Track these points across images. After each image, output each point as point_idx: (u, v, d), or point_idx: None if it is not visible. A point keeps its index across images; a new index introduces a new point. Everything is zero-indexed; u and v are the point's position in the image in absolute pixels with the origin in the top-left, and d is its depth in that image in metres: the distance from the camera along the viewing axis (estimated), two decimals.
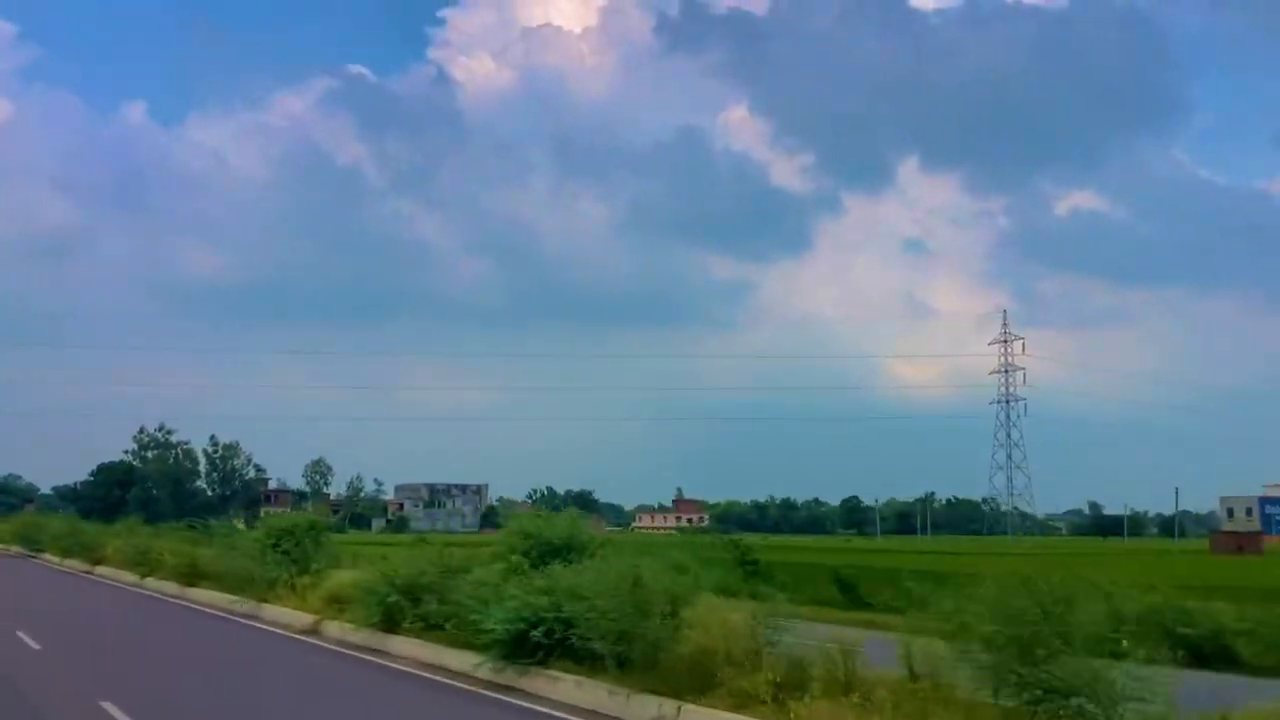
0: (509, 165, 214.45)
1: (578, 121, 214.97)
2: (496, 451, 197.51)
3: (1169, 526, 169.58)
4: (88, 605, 25.10)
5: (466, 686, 13.04)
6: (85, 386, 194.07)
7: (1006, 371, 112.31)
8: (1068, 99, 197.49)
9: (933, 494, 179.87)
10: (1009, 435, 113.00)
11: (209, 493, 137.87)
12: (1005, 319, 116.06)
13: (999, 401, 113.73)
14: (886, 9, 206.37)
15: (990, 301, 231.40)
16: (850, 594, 26.34)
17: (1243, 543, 78.89)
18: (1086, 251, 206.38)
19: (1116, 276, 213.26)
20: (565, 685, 11.99)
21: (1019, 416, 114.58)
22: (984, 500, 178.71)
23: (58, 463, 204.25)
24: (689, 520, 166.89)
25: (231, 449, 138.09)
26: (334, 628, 18.08)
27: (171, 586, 27.50)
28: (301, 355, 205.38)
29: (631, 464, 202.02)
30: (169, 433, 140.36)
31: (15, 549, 53.95)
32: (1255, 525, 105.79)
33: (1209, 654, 14.79)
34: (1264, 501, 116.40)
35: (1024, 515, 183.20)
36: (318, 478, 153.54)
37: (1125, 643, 8.77)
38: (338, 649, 16.74)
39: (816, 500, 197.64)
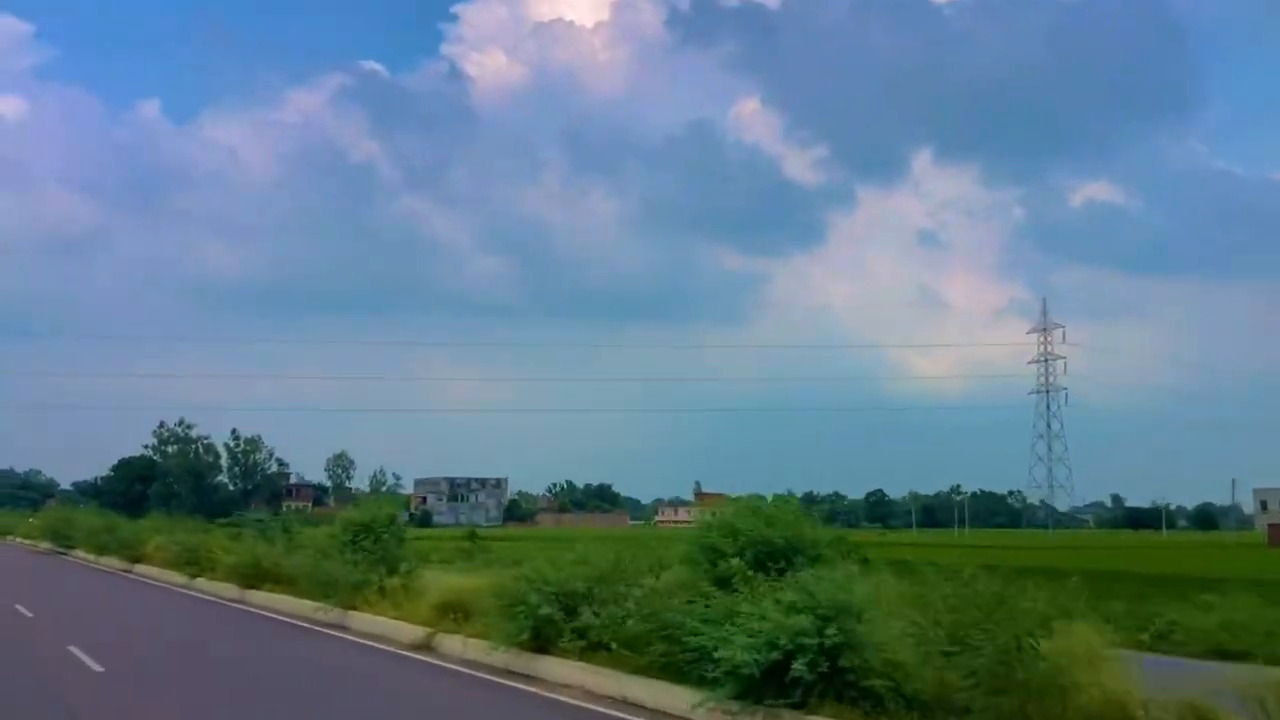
0: (521, 160, 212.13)
1: (590, 116, 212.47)
2: (513, 446, 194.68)
3: (1199, 519, 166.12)
4: (142, 612, 21.83)
5: None
6: (102, 382, 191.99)
7: (1046, 361, 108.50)
8: (1082, 89, 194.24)
9: (959, 486, 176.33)
10: (1049, 426, 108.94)
11: (230, 487, 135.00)
12: (1044, 307, 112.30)
13: (1038, 391, 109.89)
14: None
15: (1005, 294, 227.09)
16: None
17: None
18: (1101, 243, 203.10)
19: (1131, 268, 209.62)
20: None
21: (1059, 407, 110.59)
22: (1010, 493, 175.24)
23: (77, 458, 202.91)
24: (713, 514, 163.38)
25: (253, 443, 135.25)
26: (454, 644, 14.75)
27: (229, 589, 24.24)
28: (316, 350, 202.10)
29: (648, 458, 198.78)
30: (189, 427, 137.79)
31: (45, 545, 50.80)
32: None
33: None
34: None
35: (1049, 508, 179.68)
36: (339, 471, 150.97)
37: None
38: (470, 672, 13.41)
39: (837, 494, 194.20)
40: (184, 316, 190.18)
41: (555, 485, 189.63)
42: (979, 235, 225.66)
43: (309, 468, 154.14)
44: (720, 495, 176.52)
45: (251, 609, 21.64)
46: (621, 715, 10.55)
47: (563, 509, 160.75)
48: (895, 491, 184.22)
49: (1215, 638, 14.25)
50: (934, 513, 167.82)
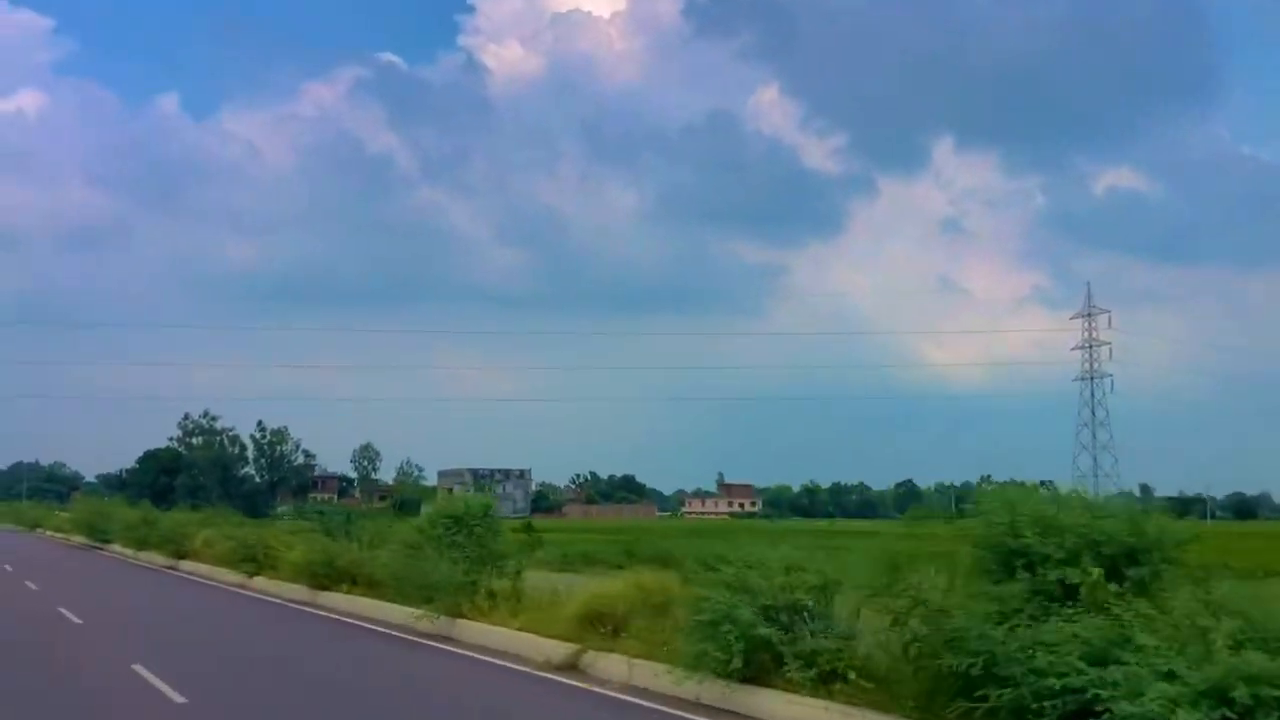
0: (539, 151, 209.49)
1: (607, 107, 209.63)
2: (534, 437, 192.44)
3: (1237, 509, 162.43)
4: (206, 618, 18.93)
5: None
6: (125, 375, 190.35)
7: (1091, 347, 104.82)
8: (1104, 75, 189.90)
9: (989, 476, 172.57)
10: (1094, 414, 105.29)
11: (257, 479, 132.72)
12: (1089, 292, 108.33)
13: (1082, 378, 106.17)
14: None
15: (1027, 282, 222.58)
16: None
17: None
18: (1124, 230, 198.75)
19: (1155, 255, 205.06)
20: None
21: (1104, 394, 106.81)
22: (1043, 482, 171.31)
23: (101, 451, 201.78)
24: (740, 505, 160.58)
25: (279, 435, 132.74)
26: (613, 666, 11.81)
27: (295, 590, 21.40)
28: (337, 342, 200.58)
29: (669, 449, 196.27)
30: (213, 419, 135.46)
31: (78, 539, 48.21)
32: None
33: None
34: None
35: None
36: (366, 463, 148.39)
37: None
38: (651, 705, 10.45)
39: (863, 484, 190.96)
40: (203, 310, 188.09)
41: (579, 476, 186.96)
42: (1000, 223, 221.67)
43: (331, 459, 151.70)
44: (747, 485, 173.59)
45: (331, 614, 18.75)
46: None
47: (590, 500, 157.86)
48: (921, 482, 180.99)
49: None
50: (964, 503, 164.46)
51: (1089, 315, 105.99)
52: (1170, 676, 6.25)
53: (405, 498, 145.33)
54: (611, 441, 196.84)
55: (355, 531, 24.97)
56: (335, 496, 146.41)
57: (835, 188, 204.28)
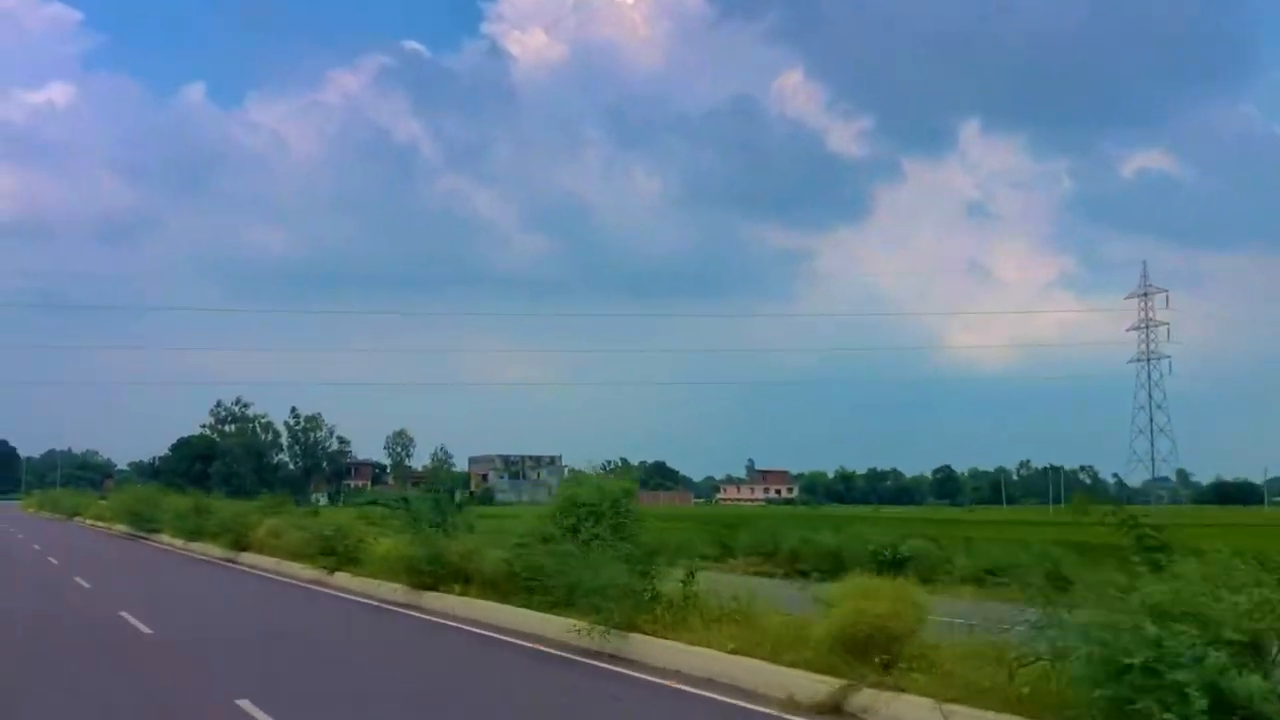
0: (564, 138, 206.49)
1: (631, 93, 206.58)
2: (562, 424, 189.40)
3: None
4: (299, 625, 15.53)
5: None
6: (156, 364, 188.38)
7: (1147, 327, 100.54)
8: (1132, 55, 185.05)
9: (1028, 461, 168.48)
10: (1150, 396, 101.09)
11: (291, 466, 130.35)
12: (1144, 271, 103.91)
13: (1139, 359, 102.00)
14: None
15: (1055, 266, 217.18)
16: None
17: None
18: (1154, 213, 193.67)
19: (1185, 238, 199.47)
20: None
21: (1161, 376, 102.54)
22: (1083, 468, 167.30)
23: (133, 439, 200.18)
24: (775, 491, 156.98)
25: (314, 421, 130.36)
26: (912, 712, 8.44)
27: (391, 590, 18.09)
28: (365, 329, 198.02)
29: (698, 436, 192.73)
30: (245, 406, 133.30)
31: (120, 528, 45.29)
32: None
33: None
34: None
35: (1121, 484, 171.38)
36: (399, 449, 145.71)
37: None
38: None
39: (895, 470, 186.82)
40: (231, 298, 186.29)
41: (609, 463, 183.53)
42: (1028, 206, 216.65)
43: (361, 446, 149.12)
44: (782, 472, 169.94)
45: (449, 621, 15.38)
46: None
47: None
48: (963, 465, 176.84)
49: None
50: (1000, 489, 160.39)
51: (1145, 295, 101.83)
52: None
53: (440, 484, 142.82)
54: (640, 428, 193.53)
55: (451, 521, 21.78)
56: (369, 483, 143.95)
57: (861, 171, 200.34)
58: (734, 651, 10.57)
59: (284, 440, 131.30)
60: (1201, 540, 10.10)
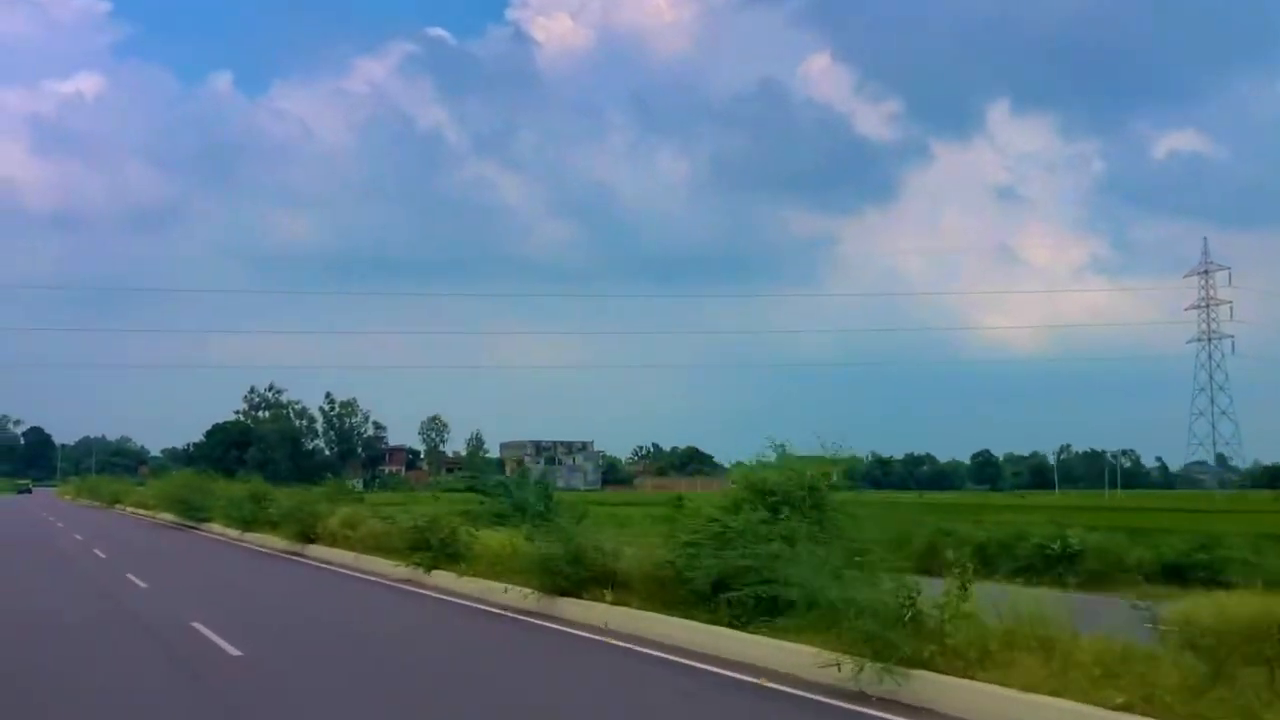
0: (589, 123, 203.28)
1: (656, 78, 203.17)
2: (593, 410, 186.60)
3: None
4: (422, 644, 12.17)
5: None
6: (188, 351, 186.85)
7: (1207, 306, 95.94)
8: (1165, 34, 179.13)
9: (1068, 446, 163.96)
10: (1211, 378, 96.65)
11: (326, 452, 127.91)
12: (1205, 247, 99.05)
13: (1198, 340, 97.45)
14: None
15: (1085, 249, 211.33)
16: None
17: None
18: (1187, 194, 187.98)
19: (1219, 220, 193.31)
20: None
21: (1223, 357, 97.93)
22: (1124, 452, 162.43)
23: (165, 426, 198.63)
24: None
25: (349, 406, 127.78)
26: None
27: (519, 595, 14.60)
28: (394, 316, 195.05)
29: (727, 421, 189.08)
30: (279, 392, 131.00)
31: (165, 517, 42.37)
32: None
33: None
34: None
35: (1164, 468, 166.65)
36: (434, 435, 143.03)
37: None
38: None
39: (930, 456, 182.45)
40: (259, 285, 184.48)
41: (642, 448, 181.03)
42: (1058, 188, 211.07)
43: (399, 432, 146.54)
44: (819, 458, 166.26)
45: (616, 642, 11.96)
46: None
47: (660, 472, 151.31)
48: (999, 450, 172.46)
49: None
50: (1042, 474, 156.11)
51: (1205, 272, 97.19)
52: None
53: (476, 470, 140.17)
54: (668, 414, 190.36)
55: (554, 511, 18.52)
56: (403, 469, 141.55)
57: (889, 154, 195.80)
58: (1122, 707, 7.16)
59: (319, 426, 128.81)
60: None
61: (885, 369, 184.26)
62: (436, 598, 16.21)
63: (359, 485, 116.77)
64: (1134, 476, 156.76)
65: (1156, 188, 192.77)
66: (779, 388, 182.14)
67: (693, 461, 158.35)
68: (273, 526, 27.26)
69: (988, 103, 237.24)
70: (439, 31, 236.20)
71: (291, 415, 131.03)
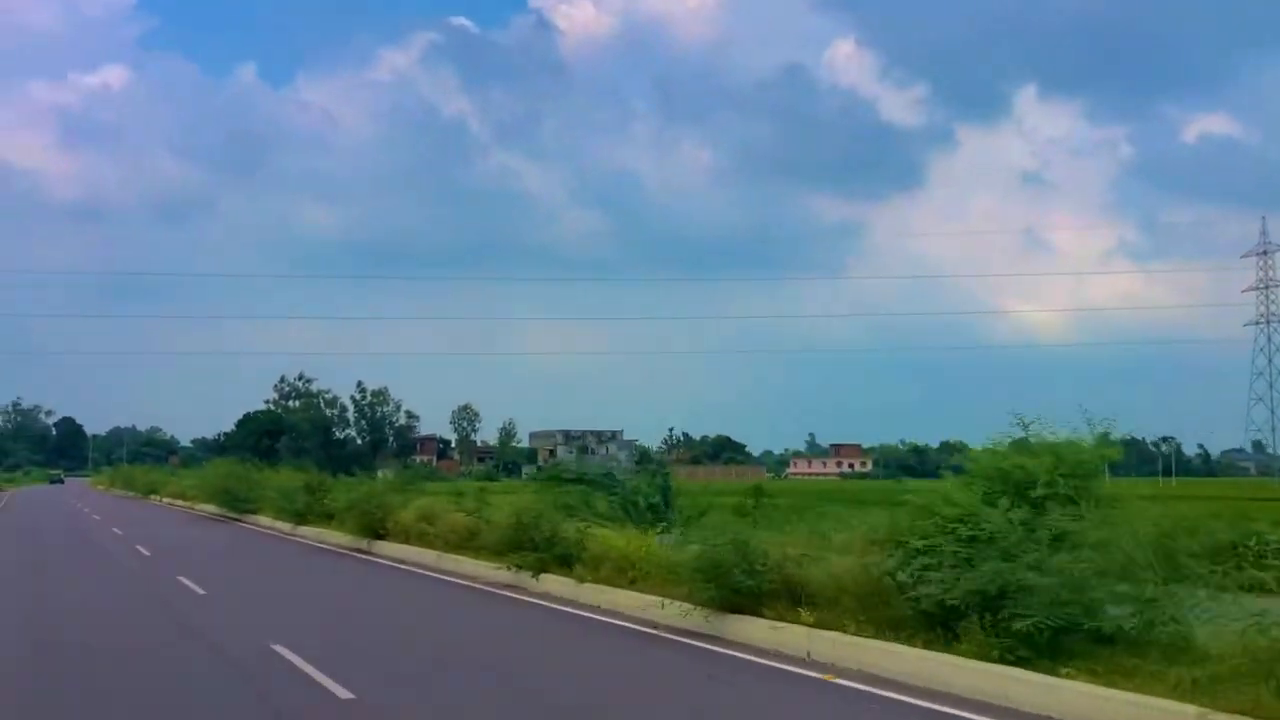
0: (612, 112, 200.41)
1: (680, 65, 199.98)
2: (619, 398, 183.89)
3: None
4: (604, 679, 9.38)
5: None
6: (218, 341, 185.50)
7: (1267, 288, 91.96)
8: (1194, 16, 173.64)
9: (1107, 434, 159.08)
10: (1270, 361, 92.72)
11: (358, 441, 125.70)
12: (1264, 226, 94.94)
13: (1257, 323, 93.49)
14: None
15: (1114, 234, 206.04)
16: None
17: None
18: (1217, 179, 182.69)
19: (1250, 204, 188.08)
20: None
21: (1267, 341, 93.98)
22: (1165, 439, 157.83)
23: (195, 416, 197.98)
24: (849, 465, 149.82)
25: (380, 395, 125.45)
26: None
27: (679, 611, 11.67)
28: (421, 305, 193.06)
29: (756, 409, 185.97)
30: (309, 381, 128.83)
31: (205, 508, 39.84)
32: None
33: None
34: None
35: (1206, 456, 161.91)
36: (465, 424, 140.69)
37: None
38: None
39: (963, 443, 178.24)
40: (286, 275, 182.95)
41: (672, 436, 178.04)
42: (1086, 173, 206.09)
43: (430, 421, 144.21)
44: (855, 445, 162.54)
45: (831, 678, 9.11)
46: None
47: (695, 461, 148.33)
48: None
49: None
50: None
51: (1264, 253, 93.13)
52: None
53: (506, 460, 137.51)
54: (696, 402, 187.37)
55: (672, 505, 15.60)
56: (434, 459, 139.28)
57: (915, 140, 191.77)
58: None
59: (350, 415, 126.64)
60: None
61: (913, 356, 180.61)
62: (560, 610, 13.31)
63: (390, 474, 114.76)
64: (1176, 465, 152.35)
65: (1187, 172, 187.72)
66: (807, 375, 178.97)
67: (725, 450, 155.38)
68: (330, 520, 24.51)
69: (1014, 87, 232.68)
70: (462, 20, 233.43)
71: (322, 404, 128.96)
